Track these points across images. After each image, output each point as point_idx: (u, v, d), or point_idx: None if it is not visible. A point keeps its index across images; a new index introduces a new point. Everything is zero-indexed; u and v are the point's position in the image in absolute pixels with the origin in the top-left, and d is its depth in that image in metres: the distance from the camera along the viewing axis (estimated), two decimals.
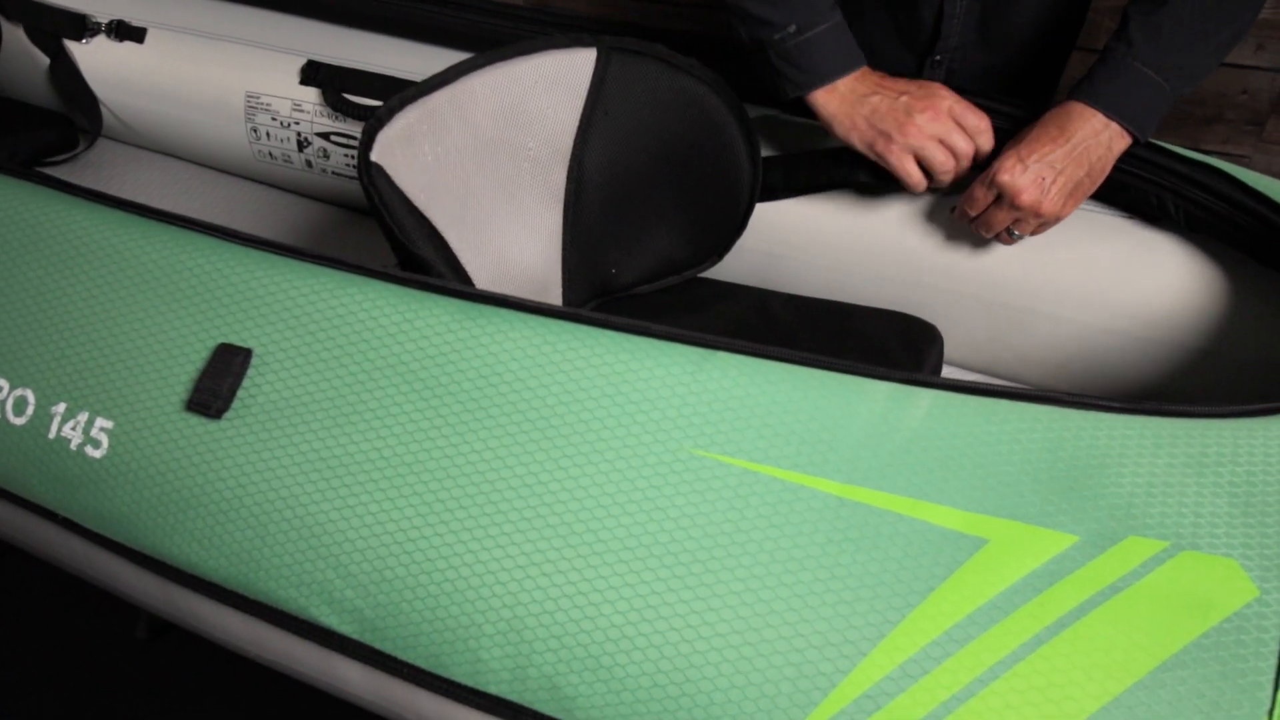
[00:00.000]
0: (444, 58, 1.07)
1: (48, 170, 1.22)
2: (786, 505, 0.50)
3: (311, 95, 1.10)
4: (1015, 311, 0.84)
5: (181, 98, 1.18)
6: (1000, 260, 0.84)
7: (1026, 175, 0.73)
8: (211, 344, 0.61)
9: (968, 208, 0.78)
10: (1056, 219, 0.76)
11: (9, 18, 1.24)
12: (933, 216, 0.85)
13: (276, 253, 0.62)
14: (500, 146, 0.77)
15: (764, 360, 0.54)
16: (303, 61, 1.11)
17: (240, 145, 1.17)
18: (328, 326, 0.59)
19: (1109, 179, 0.80)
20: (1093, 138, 0.74)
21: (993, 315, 0.85)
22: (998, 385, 0.53)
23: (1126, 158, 0.80)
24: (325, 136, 1.10)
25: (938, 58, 0.88)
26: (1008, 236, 0.79)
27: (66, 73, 1.22)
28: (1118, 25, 0.74)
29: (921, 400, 0.52)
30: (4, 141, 1.19)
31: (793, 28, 0.76)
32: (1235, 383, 0.79)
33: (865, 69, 0.78)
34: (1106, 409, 0.52)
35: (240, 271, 0.62)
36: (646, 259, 0.91)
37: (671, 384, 0.54)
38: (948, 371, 0.89)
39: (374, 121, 0.66)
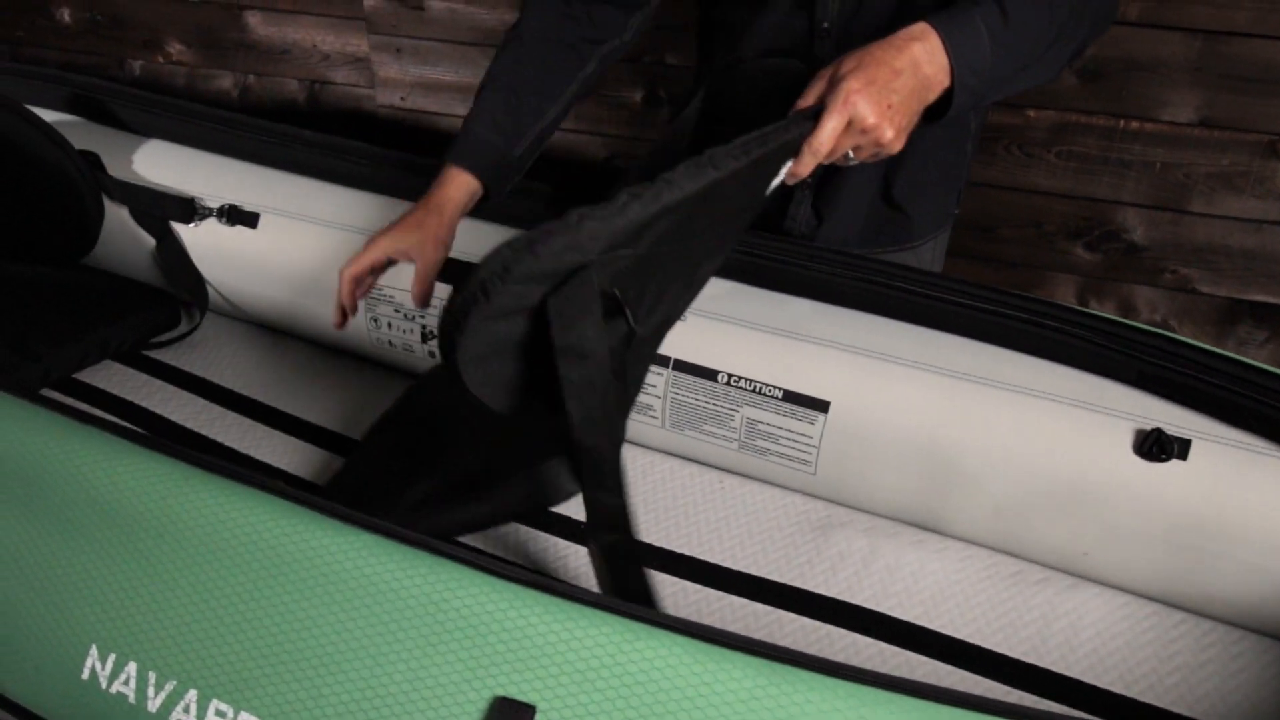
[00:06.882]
0: None
1: (152, 353, 1.18)
2: None
3: (443, 289, 1.08)
4: (1203, 554, 0.84)
5: (296, 284, 1.15)
6: (1181, 496, 0.83)
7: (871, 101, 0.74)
8: (488, 696, 0.58)
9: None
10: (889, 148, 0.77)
11: (111, 197, 1.20)
12: (1110, 435, 0.84)
13: (551, 594, 0.60)
14: None
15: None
16: None
17: (358, 331, 1.14)
18: (618, 685, 0.57)
19: None
20: (927, 60, 0.76)
21: (1178, 554, 0.84)
22: None
23: None
24: None
25: (825, 25, 0.93)
26: (843, 160, 0.79)
27: (173, 255, 1.19)
28: None
29: None
30: (118, 324, 1.16)
31: None
32: None
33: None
34: None
35: (513, 615, 0.59)
36: None
37: None
38: (1105, 595, 0.88)
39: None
